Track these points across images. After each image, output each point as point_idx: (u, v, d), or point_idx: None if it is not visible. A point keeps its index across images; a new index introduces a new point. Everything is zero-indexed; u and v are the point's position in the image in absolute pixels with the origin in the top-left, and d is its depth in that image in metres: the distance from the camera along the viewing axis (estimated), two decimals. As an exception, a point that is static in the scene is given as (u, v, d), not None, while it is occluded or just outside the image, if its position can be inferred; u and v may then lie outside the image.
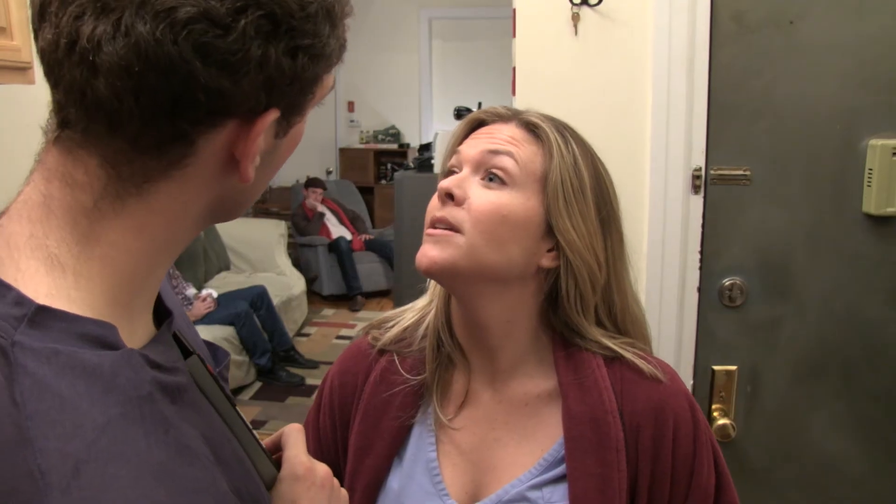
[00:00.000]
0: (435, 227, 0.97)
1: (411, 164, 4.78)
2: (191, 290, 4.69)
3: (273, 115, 0.57)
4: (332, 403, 1.12)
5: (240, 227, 6.33)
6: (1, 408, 0.46)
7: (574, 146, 0.99)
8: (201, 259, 5.48)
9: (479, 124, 1.04)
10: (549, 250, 0.98)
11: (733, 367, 1.81)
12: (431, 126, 7.71)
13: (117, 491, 0.47)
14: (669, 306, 1.77)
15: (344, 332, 5.97)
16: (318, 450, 1.12)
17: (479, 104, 4.88)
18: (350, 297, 6.60)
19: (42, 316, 0.50)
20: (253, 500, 0.63)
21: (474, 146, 1.00)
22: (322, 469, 0.76)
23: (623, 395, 0.99)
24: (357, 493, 1.04)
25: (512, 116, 1.03)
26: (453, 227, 0.95)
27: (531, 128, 1.00)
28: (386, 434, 1.05)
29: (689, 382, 1.81)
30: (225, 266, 6.03)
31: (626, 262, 1.05)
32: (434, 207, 0.99)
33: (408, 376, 1.05)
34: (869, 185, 1.69)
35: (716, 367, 1.82)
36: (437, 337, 1.06)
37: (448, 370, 1.06)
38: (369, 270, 6.73)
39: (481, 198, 0.95)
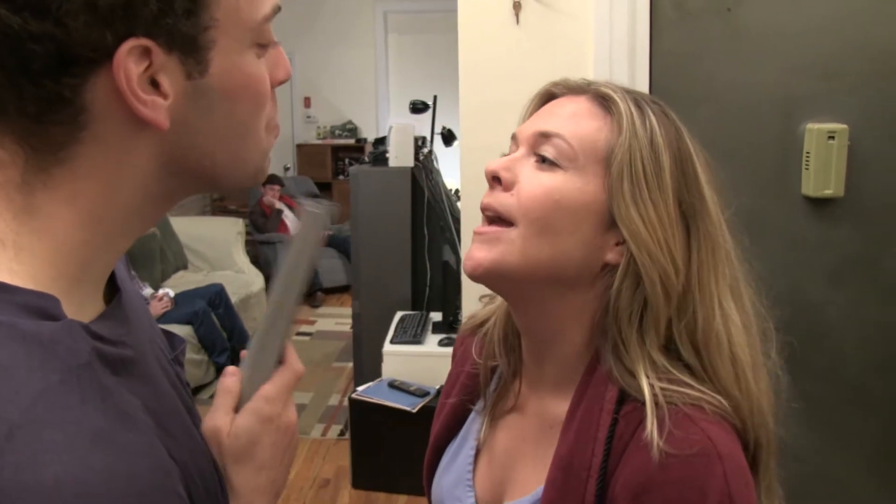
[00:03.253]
0: (483, 224, 0.85)
1: (367, 159, 4.77)
2: (147, 290, 4.64)
3: (129, 45, 0.54)
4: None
5: (197, 225, 6.27)
6: None
7: (653, 121, 0.83)
8: (158, 259, 5.41)
9: (549, 98, 0.91)
10: (618, 244, 0.82)
11: (681, 351, 1.84)
12: (388, 120, 7.70)
13: (51, 455, 0.47)
14: (616, 292, 1.79)
15: (304, 328, 5.94)
16: None
17: (435, 97, 4.88)
18: (310, 293, 6.57)
19: None
20: (200, 474, 0.64)
21: (530, 126, 0.87)
22: (292, 414, 0.76)
23: (624, 452, 0.78)
24: (428, 451, 1.04)
25: (584, 89, 0.88)
26: (502, 217, 0.83)
27: (602, 100, 0.85)
28: (448, 408, 1.02)
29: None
30: (182, 265, 5.96)
31: (721, 273, 0.84)
32: (484, 194, 0.87)
33: (476, 359, 0.99)
34: (807, 169, 1.72)
35: (663, 351, 1.84)
36: (504, 330, 0.96)
37: (511, 366, 0.96)
38: (329, 266, 6.70)
39: (531, 181, 0.82)
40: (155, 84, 0.56)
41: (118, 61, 0.54)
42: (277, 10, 0.63)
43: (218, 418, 0.72)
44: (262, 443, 0.72)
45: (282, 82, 0.66)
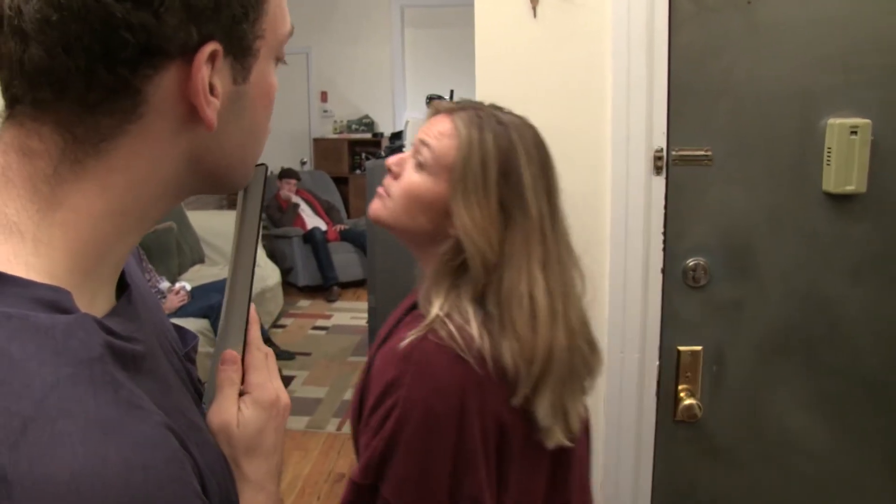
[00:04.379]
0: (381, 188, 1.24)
1: (383, 154, 4.77)
2: (164, 284, 4.66)
3: (210, 48, 0.57)
4: None
5: (213, 219, 6.29)
6: None
7: (489, 142, 1.15)
8: (175, 252, 5.44)
9: (436, 113, 1.23)
10: None
11: (698, 348, 1.83)
12: (405, 114, 7.69)
13: (65, 447, 0.47)
14: (634, 288, 1.78)
15: (320, 322, 5.95)
16: None
17: (452, 92, 4.87)
18: (326, 287, 6.59)
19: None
20: (210, 468, 0.64)
21: (419, 134, 1.22)
22: (285, 398, 0.79)
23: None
24: None
25: (450, 111, 1.20)
26: (388, 193, 1.22)
27: (458, 124, 1.18)
28: None
29: (654, 363, 1.82)
30: (199, 259, 5.99)
31: (532, 252, 1.14)
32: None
33: None
34: (828, 164, 1.70)
35: (681, 348, 1.83)
36: None
37: None
38: (345, 261, 6.72)
39: (405, 177, 1.20)
40: (209, 86, 0.59)
41: (199, 60, 0.57)
42: (292, 30, 0.68)
43: (226, 412, 0.74)
44: (267, 430, 0.76)
45: None
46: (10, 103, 0.57)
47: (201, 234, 6.06)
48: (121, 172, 0.58)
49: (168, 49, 0.56)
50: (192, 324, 4.44)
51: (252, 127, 0.66)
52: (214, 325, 4.63)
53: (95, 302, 0.60)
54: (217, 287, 4.94)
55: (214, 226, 6.12)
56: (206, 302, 4.68)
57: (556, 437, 1.12)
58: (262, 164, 0.73)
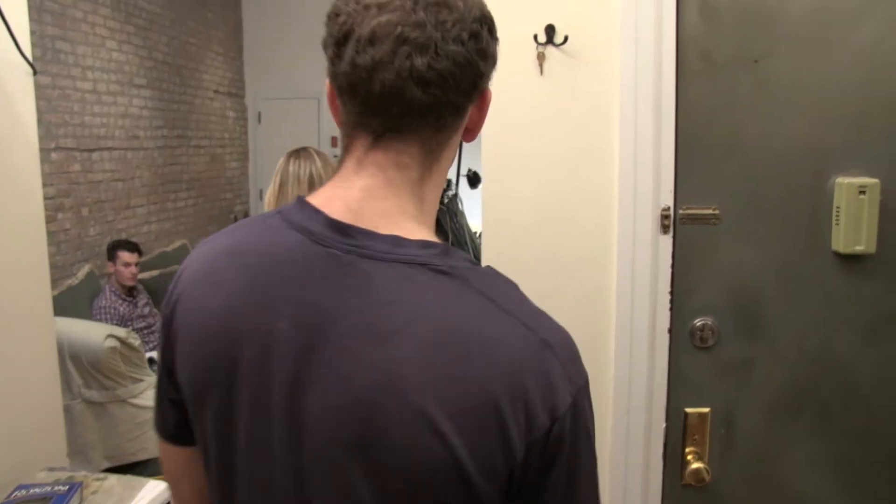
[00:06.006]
0: None
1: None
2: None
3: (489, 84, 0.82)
4: None
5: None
6: (483, 300, 0.73)
7: None
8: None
9: None
10: None
11: (706, 410, 1.79)
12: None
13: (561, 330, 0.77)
14: (640, 348, 1.74)
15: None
16: None
17: (461, 143, 4.87)
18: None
19: (449, 251, 0.76)
20: None
21: None
22: None
23: None
24: None
25: None
26: None
27: None
28: None
29: (661, 425, 1.78)
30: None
31: None
32: None
33: None
34: (837, 224, 1.67)
35: (688, 410, 1.78)
36: None
37: None
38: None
39: None
40: None
41: (488, 95, 0.83)
42: None
43: None
44: None
45: None
46: (380, 133, 0.78)
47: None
48: (440, 174, 0.83)
49: (483, 88, 0.81)
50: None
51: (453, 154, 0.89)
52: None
53: None
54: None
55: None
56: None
57: None
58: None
